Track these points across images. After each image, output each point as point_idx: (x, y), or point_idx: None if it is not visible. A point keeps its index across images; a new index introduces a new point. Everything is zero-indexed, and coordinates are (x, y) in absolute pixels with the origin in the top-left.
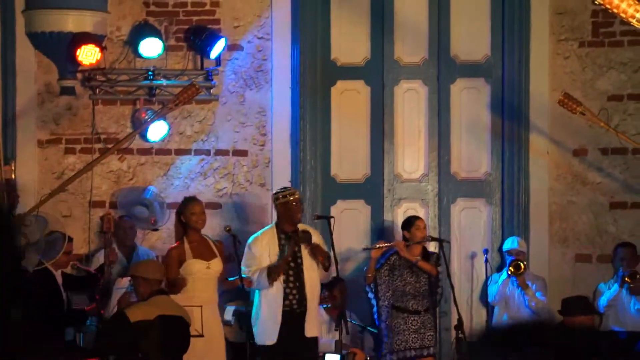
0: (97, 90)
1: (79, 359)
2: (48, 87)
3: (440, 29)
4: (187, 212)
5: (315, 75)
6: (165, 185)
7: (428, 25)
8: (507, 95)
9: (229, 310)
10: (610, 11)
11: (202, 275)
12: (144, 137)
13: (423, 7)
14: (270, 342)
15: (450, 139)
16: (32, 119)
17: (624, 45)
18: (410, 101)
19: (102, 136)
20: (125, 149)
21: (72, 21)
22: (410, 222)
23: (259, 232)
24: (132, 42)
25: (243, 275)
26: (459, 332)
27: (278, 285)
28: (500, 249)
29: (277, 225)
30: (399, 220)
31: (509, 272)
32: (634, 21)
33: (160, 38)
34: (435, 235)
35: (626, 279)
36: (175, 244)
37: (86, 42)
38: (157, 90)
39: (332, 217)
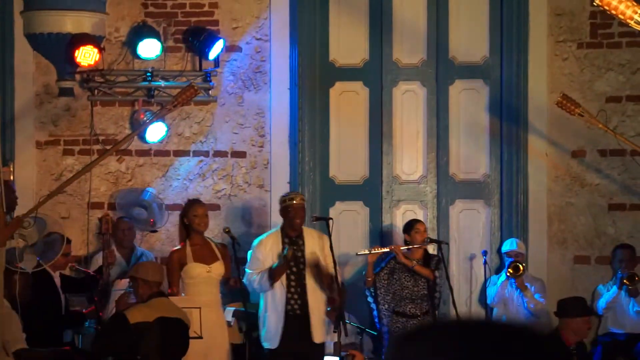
0: (96, 91)
1: None
2: (46, 88)
3: (438, 31)
4: (190, 214)
5: (313, 76)
6: (164, 186)
7: (426, 27)
8: (505, 96)
9: (229, 312)
10: (608, 12)
11: (203, 279)
12: (142, 138)
13: (421, 8)
14: (274, 346)
15: (449, 141)
16: (30, 120)
17: (622, 47)
18: (409, 102)
19: (101, 137)
20: (124, 150)
21: (71, 22)
22: (410, 226)
23: (263, 235)
24: (131, 43)
25: (244, 280)
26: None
27: (281, 290)
28: (499, 251)
29: (282, 229)
30: (398, 221)
31: (508, 274)
32: (632, 22)
33: (159, 39)
34: (434, 236)
35: (625, 281)
36: (177, 247)
37: (84, 43)
38: (156, 92)
39: (331, 218)
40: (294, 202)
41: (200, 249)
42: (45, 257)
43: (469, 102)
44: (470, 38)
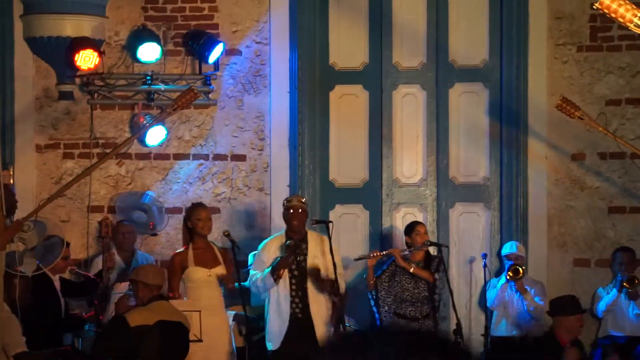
0: (96, 95)
1: None
2: (46, 92)
3: (438, 34)
4: (193, 217)
5: (313, 79)
6: (164, 190)
7: (426, 30)
8: (505, 99)
9: (229, 315)
10: (608, 15)
11: (204, 283)
12: (142, 141)
13: (421, 11)
14: (276, 347)
15: (449, 144)
16: (30, 124)
17: (622, 50)
18: (409, 106)
19: (101, 141)
20: (124, 153)
21: (70, 26)
22: (411, 228)
23: (268, 238)
24: (131, 46)
25: (244, 284)
26: (458, 336)
27: (284, 292)
28: (498, 254)
29: (287, 232)
30: (398, 224)
31: (508, 277)
32: (632, 26)
33: (159, 43)
34: (434, 240)
35: (625, 284)
36: (180, 250)
37: (84, 47)
38: (156, 95)
39: (331, 221)
40: (291, 204)
41: (202, 252)
42: (45, 261)
43: (468, 105)
44: (470, 41)
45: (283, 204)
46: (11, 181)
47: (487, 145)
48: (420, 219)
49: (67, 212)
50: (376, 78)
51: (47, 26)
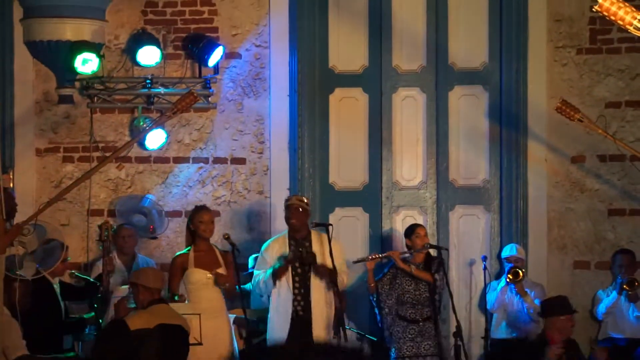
0: (95, 98)
1: None
2: (46, 95)
3: (438, 37)
4: (196, 220)
5: (313, 83)
6: (164, 193)
7: (426, 33)
8: (505, 102)
9: (230, 318)
10: (608, 18)
11: (204, 285)
12: (142, 145)
13: (421, 14)
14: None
15: (449, 146)
16: (30, 128)
17: (621, 52)
18: (408, 108)
19: (101, 144)
20: (124, 157)
21: (70, 30)
22: (411, 230)
23: (271, 239)
24: (130, 50)
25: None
26: (458, 339)
27: (287, 292)
28: (498, 256)
29: (289, 232)
30: (398, 227)
31: (508, 280)
32: (631, 28)
33: (159, 46)
34: (434, 242)
35: (625, 286)
36: (181, 252)
37: (84, 51)
38: (155, 99)
39: (331, 224)
40: (289, 203)
41: (203, 255)
42: (44, 265)
43: (468, 107)
44: (469, 44)
45: (284, 204)
46: (11, 185)
47: (486, 147)
48: (420, 221)
49: (67, 215)
50: (376, 81)
51: (47, 30)
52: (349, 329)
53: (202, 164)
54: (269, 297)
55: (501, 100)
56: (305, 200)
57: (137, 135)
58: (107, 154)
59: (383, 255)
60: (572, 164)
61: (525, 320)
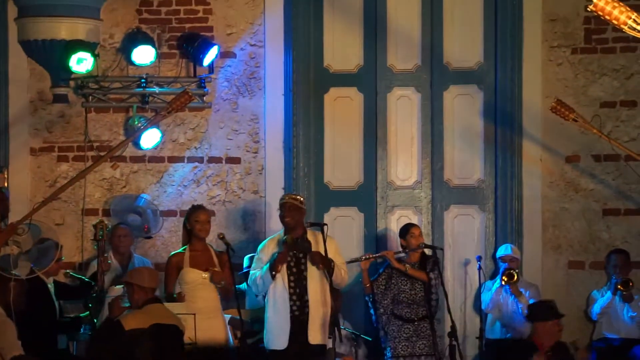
0: (90, 97)
1: None
2: (41, 95)
3: (433, 36)
4: (192, 219)
5: (308, 82)
6: (159, 192)
7: (421, 32)
8: (499, 102)
9: (225, 318)
10: (602, 18)
11: (199, 285)
12: (137, 144)
13: (416, 14)
14: (277, 348)
15: (444, 146)
16: (24, 127)
17: (616, 52)
18: (403, 108)
19: (95, 144)
20: (118, 156)
21: (65, 29)
22: (405, 230)
23: (267, 239)
24: (125, 49)
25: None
26: (452, 339)
27: (283, 292)
28: (493, 256)
29: (284, 231)
30: (393, 227)
31: (503, 282)
32: (626, 28)
33: (153, 45)
34: (429, 242)
35: (619, 286)
36: (177, 251)
37: (79, 50)
38: (150, 98)
39: (326, 224)
40: (282, 201)
41: (199, 254)
42: (39, 264)
43: (463, 107)
44: (464, 44)
45: (279, 203)
46: (5, 184)
47: (481, 147)
48: (415, 221)
49: (62, 215)
50: (371, 80)
51: (42, 29)
52: (344, 329)
53: (197, 164)
54: (264, 296)
55: (496, 99)
56: (300, 199)
57: (132, 135)
58: (102, 154)
59: (377, 255)
60: (566, 163)
61: (520, 321)
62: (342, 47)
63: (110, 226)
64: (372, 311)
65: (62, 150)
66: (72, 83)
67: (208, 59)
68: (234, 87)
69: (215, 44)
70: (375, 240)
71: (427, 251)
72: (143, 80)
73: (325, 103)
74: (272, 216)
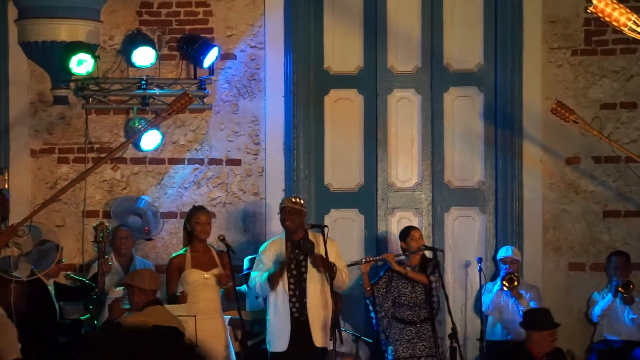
0: (90, 99)
1: None
2: (41, 96)
3: (433, 38)
4: (193, 220)
5: (308, 84)
6: (159, 194)
7: (421, 34)
8: (500, 103)
9: (225, 319)
10: (602, 19)
11: (201, 286)
12: (137, 146)
13: (416, 15)
14: (278, 350)
15: (444, 148)
16: (25, 129)
17: (616, 54)
18: (404, 110)
19: (96, 145)
20: (119, 158)
21: (65, 30)
22: (406, 233)
23: (268, 241)
24: (125, 51)
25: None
26: (453, 341)
27: (284, 294)
28: (494, 258)
29: (286, 233)
30: (393, 229)
31: (503, 287)
32: (626, 29)
33: (154, 47)
34: (429, 244)
35: (620, 289)
36: (178, 253)
37: (79, 52)
38: (151, 100)
39: (326, 226)
40: (282, 205)
41: (200, 255)
42: (39, 266)
43: (463, 109)
44: (464, 45)
45: (279, 207)
46: (6, 186)
47: (482, 149)
48: (415, 223)
49: (62, 216)
50: (371, 82)
51: (42, 31)
52: (345, 330)
53: (197, 165)
54: (265, 298)
55: (496, 101)
56: (300, 202)
57: (132, 137)
58: (102, 155)
59: (378, 258)
60: (567, 165)
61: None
62: (343, 49)
63: (110, 228)
64: (372, 314)
65: (63, 152)
66: (72, 85)
67: (208, 60)
68: (234, 89)
69: (215, 46)
70: (375, 242)
71: (428, 254)
72: (143, 82)
73: (325, 105)
74: (272, 218)
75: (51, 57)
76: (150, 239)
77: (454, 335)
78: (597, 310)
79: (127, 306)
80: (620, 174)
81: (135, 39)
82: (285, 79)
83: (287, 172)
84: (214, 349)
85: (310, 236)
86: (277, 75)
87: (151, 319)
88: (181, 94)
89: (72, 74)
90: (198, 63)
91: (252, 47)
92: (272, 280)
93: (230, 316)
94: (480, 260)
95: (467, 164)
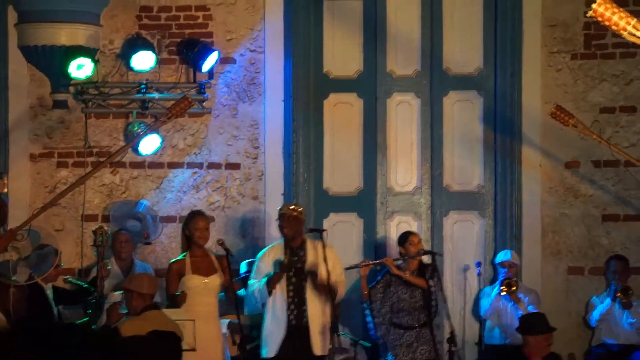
0: (90, 103)
1: None
2: (41, 100)
3: (432, 42)
4: (191, 226)
5: (308, 88)
6: (158, 198)
7: (420, 38)
8: (499, 107)
9: (223, 324)
10: (602, 23)
11: (200, 291)
12: (136, 150)
13: (415, 19)
14: (269, 355)
15: (443, 152)
16: (24, 133)
17: (616, 58)
18: (403, 114)
19: (95, 150)
20: (118, 162)
21: (65, 34)
22: (404, 238)
23: (266, 248)
24: (125, 55)
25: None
26: (452, 345)
27: (282, 301)
28: (493, 262)
29: (284, 240)
30: (392, 233)
31: (502, 292)
32: (625, 34)
33: (153, 51)
34: (428, 248)
35: (619, 294)
36: (177, 258)
37: (79, 56)
38: (150, 104)
39: (325, 230)
40: (281, 212)
41: (199, 260)
42: (38, 270)
43: (463, 113)
44: (464, 49)
45: (278, 214)
46: (5, 190)
47: (481, 153)
48: (414, 227)
49: (61, 221)
50: (370, 86)
51: (42, 35)
52: (343, 335)
53: (196, 169)
54: (263, 305)
55: (495, 105)
56: (299, 209)
57: (132, 141)
58: (102, 159)
59: (377, 262)
60: (566, 169)
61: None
62: (342, 53)
63: (109, 232)
64: (368, 319)
65: (62, 156)
66: (71, 89)
67: (208, 64)
68: (234, 93)
69: (215, 50)
70: (374, 246)
71: (426, 259)
72: (143, 86)
73: (325, 109)
74: (271, 222)
75: (51, 61)
76: (149, 243)
77: (452, 340)
78: (595, 315)
79: (125, 310)
80: (620, 178)
81: (134, 43)
82: (284, 83)
83: (287, 176)
84: (211, 353)
85: (309, 244)
86: (277, 79)
87: (149, 324)
88: (181, 98)
89: (72, 78)
90: (197, 67)
91: (251, 51)
92: (272, 282)
93: (229, 320)
94: (479, 264)
95: (466, 167)
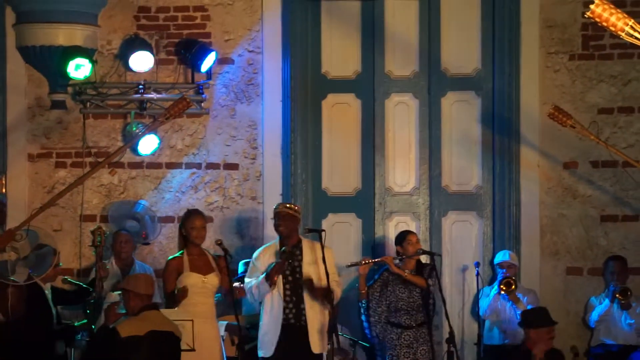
0: (88, 104)
1: None
2: (39, 101)
3: (430, 42)
4: (188, 225)
5: (306, 88)
6: (157, 199)
7: (418, 39)
8: (497, 108)
9: (221, 325)
10: (600, 24)
11: (198, 289)
12: (134, 150)
13: (413, 20)
14: (266, 355)
15: (441, 152)
16: (22, 133)
17: (613, 58)
18: (401, 114)
19: (93, 150)
20: (116, 162)
21: (63, 35)
22: (402, 237)
23: (262, 247)
24: (123, 55)
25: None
26: (451, 345)
27: (279, 300)
28: (491, 262)
29: (280, 240)
30: (390, 233)
31: (501, 291)
32: (623, 34)
33: (151, 52)
34: (427, 248)
35: (617, 295)
36: (175, 255)
37: (77, 56)
38: (148, 104)
39: (324, 230)
40: (276, 210)
41: (197, 259)
42: (37, 270)
43: (461, 113)
44: (462, 50)
45: (273, 212)
46: (3, 190)
47: (479, 153)
48: (412, 227)
49: (60, 221)
50: (369, 87)
51: (40, 35)
52: (342, 335)
53: (194, 170)
54: (260, 303)
55: (494, 106)
56: (295, 208)
57: (130, 141)
58: (100, 160)
59: (377, 260)
60: (564, 170)
61: (518, 327)
62: (340, 54)
63: (108, 232)
64: (363, 317)
65: (60, 157)
66: (70, 89)
67: (206, 65)
68: (232, 94)
69: (213, 50)
70: (372, 246)
71: (424, 259)
72: (141, 87)
73: (323, 109)
74: (269, 222)
75: (49, 62)
76: (147, 244)
77: (451, 340)
78: (594, 316)
79: (123, 311)
80: (618, 179)
81: (132, 44)
82: (282, 83)
83: (285, 176)
84: (209, 353)
85: (305, 243)
86: (275, 79)
87: (147, 324)
88: (179, 99)
89: (70, 79)
90: (196, 67)
91: (249, 51)
92: (275, 270)
93: (227, 322)
94: (477, 264)
95: (464, 168)
